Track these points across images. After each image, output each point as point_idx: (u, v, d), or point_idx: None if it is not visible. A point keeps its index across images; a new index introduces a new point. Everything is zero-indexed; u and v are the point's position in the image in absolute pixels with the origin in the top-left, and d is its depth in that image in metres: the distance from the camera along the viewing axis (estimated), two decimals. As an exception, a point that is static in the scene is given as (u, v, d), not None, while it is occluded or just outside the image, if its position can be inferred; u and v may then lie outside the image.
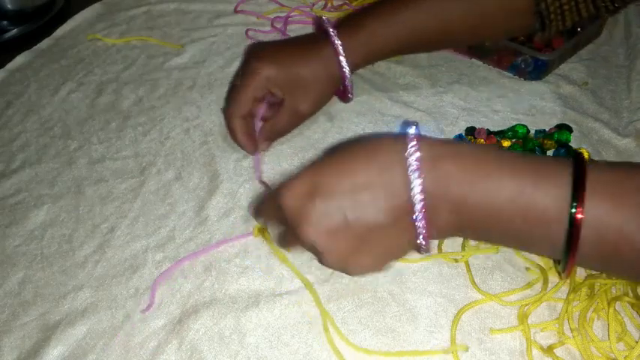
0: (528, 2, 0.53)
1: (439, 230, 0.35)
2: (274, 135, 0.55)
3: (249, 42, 0.74)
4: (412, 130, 0.34)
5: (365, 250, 0.35)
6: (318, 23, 0.54)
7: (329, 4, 0.79)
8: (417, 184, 0.33)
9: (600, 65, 0.66)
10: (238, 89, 0.51)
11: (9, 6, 0.77)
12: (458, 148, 0.34)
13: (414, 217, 0.34)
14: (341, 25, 0.53)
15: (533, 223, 0.33)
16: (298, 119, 0.54)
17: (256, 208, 0.49)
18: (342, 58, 0.51)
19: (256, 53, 0.52)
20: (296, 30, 0.75)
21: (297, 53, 0.52)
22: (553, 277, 0.44)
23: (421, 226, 0.34)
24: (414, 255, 0.47)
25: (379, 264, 0.37)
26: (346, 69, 0.52)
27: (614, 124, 0.58)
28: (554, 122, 0.58)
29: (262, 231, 0.48)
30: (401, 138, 0.34)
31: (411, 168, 0.33)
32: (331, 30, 0.51)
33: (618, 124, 0.58)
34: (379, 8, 0.54)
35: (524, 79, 0.64)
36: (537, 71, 0.64)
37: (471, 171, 0.33)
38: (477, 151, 0.34)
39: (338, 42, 0.51)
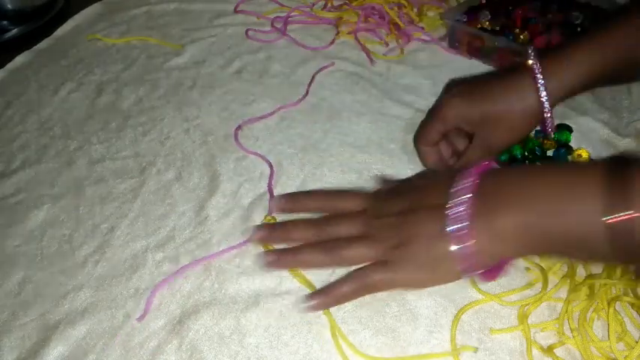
0: None
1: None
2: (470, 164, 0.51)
3: (249, 42, 0.74)
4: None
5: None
6: (524, 54, 0.50)
7: (329, 4, 0.79)
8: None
9: (600, 65, 0.66)
10: (427, 122, 0.52)
11: (9, 6, 0.77)
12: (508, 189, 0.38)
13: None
14: (545, 58, 0.49)
15: (577, 238, 0.34)
16: (489, 153, 0.51)
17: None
18: (542, 94, 0.48)
19: (451, 89, 0.52)
20: (296, 30, 0.75)
21: (491, 88, 0.50)
22: (553, 277, 0.44)
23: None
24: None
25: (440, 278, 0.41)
26: (546, 106, 0.48)
27: (614, 124, 0.58)
28: (554, 122, 0.58)
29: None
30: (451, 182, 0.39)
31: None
32: (534, 64, 0.48)
33: (618, 124, 0.58)
34: (588, 39, 0.49)
35: (525, 79, 0.64)
36: (537, 71, 0.63)
37: (520, 205, 0.36)
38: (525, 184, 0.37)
39: (541, 79, 0.47)
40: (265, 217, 0.50)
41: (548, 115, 0.48)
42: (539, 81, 0.47)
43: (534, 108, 0.48)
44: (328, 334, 0.42)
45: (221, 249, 0.48)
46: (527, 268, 0.45)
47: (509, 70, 0.50)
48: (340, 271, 0.46)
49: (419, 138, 0.53)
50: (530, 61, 0.48)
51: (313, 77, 0.66)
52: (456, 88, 0.51)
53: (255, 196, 0.53)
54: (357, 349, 0.41)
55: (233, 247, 0.48)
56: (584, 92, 0.50)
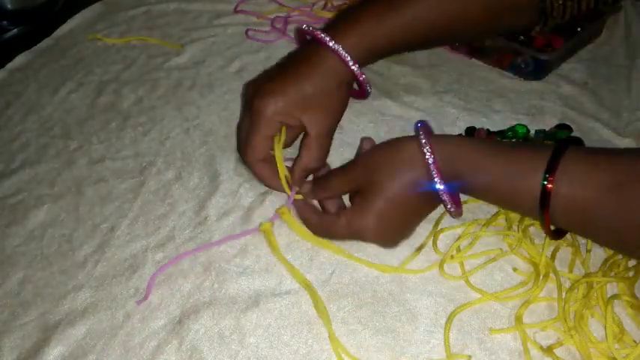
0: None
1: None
2: (310, 171, 0.51)
3: (249, 42, 0.74)
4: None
5: (407, 222, 0.46)
6: (303, 33, 0.50)
7: (329, 4, 0.79)
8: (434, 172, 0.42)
9: (600, 65, 0.66)
10: (249, 134, 0.49)
11: (9, 6, 0.77)
12: (460, 143, 0.43)
13: (437, 189, 0.42)
14: (332, 28, 0.49)
15: (517, 198, 0.41)
16: (328, 139, 0.50)
17: (325, 236, 0.48)
18: (346, 57, 0.48)
19: (255, 90, 0.49)
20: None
21: (296, 74, 0.48)
22: (550, 282, 0.44)
23: (443, 193, 0.42)
24: (412, 265, 0.47)
25: (417, 225, 0.47)
26: (354, 66, 0.48)
27: (614, 124, 0.58)
28: (554, 122, 0.58)
29: (268, 230, 0.48)
30: (415, 138, 0.43)
31: (427, 156, 0.42)
32: (323, 35, 0.48)
33: (618, 124, 0.58)
34: (376, 4, 0.50)
35: (524, 79, 0.64)
36: (537, 71, 0.64)
37: (470, 159, 0.42)
38: (476, 147, 0.43)
39: (335, 45, 0.47)
40: (281, 208, 0.49)
41: (357, 70, 0.48)
42: (339, 50, 0.47)
43: (346, 73, 0.49)
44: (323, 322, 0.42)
45: (221, 249, 0.48)
46: (515, 269, 0.45)
47: (302, 50, 0.50)
48: (340, 272, 0.46)
49: (246, 156, 0.50)
50: (321, 36, 0.48)
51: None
52: (261, 87, 0.49)
53: (255, 196, 0.53)
54: (352, 355, 0.40)
55: (242, 234, 0.49)
56: (390, 54, 0.52)
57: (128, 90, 0.67)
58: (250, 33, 0.75)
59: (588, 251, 0.46)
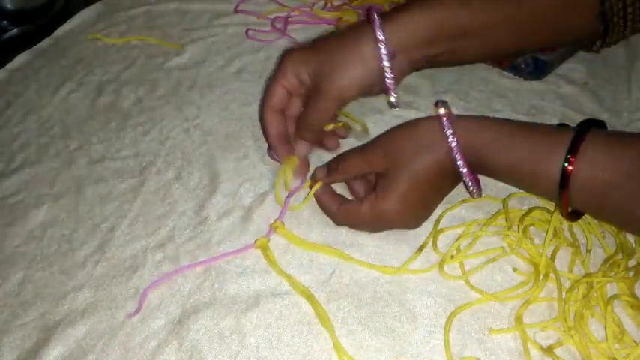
0: (591, 2, 0.48)
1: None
2: (305, 131, 0.50)
3: (249, 42, 0.74)
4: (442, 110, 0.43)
5: (429, 203, 0.46)
6: (367, 12, 0.48)
7: (329, 4, 0.79)
8: (457, 153, 0.42)
9: (600, 65, 0.66)
10: (269, 82, 0.50)
11: (9, 6, 0.77)
12: (481, 123, 0.44)
13: (461, 172, 0.43)
14: (387, 17, 0.47)
15: (536, 178, 0.41)
16: (324, 106, 0.48)
17: (352, 227, 0.48)
18: (382, 52, 0.46)
19: (289, 49, 0.50)
20: (296, 30, 0.75)
21: (330, 43, 0.48)
22: (550, 282, 0.44)
23: (467, 176, 0.43)
24: (412, 265, 0.47)
25: (433, 209, 0.47)
26: (385, 61, 0.46)
27: (614, 124, 0.58)
28: (554, 122, 0.58)
29: (264, 246, 0.47)
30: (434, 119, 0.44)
31: (450, 140, 0.42)
32: (377, 22, 0.46)
33: (618, 124, 0.58)
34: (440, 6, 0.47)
35: (524, 79, 0.64)
36: (537, 71, 0.64)
37: (491, 139, 0.42)
38: (499, 127, 0.43)
39: (380, 33, 0.45)
40: (275, 223, 0.49)
41: (388, 69, 0.46)
42: (378, 33, 0.45)
43: (371, 55, 0.46)
44: (328, 333, 0.42)
45: (221, 249, 0.48)
46: (515, 269, 0.45)
47: (350, 29, 0.49)
48: (340, 272, 0.46)
49: (264, 102, 0.50)
50: (375, 17, 0.46)
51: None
52: (294, 48, 0.50)
53: (255, 196, 0.53)
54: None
55: (239, 251, 0.48)
56: (434, 58, 0.49)
57: (128, 90, 0.67)
58: (250, 33, 0.75)
59: (588, 251, 0.46)
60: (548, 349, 0.40)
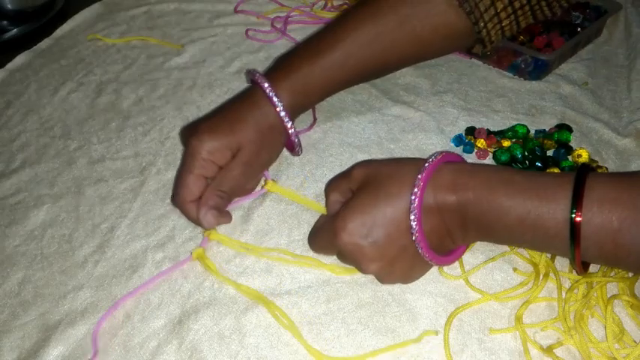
0: (465, 26, 0.51)
1: (464, 241, 0.43)
2: (219, 198, 0.47)
3: (249, 42, 0.74)
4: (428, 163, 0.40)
5: (414, 267, 0.43)
6: (251, 75, 0.51)
7: (329, 4, 0.79)
8: (414, 220, 0.39)
9: (600, 65, 0.66)
10: (183, 174, 0.47)
11: (9, 6, 0.77)
12: (472, 180, 0.39)
13: (419, 250, 0.40)
14: (270, 72, 0.51)
15: (541, 234, 0.38)
16: (245, 174, 0.49)
17: (312, 241, 0.46)
18: (281, 113, 0.49)
19: (191, 131, 0.48)
20: (296, 30, 0.75)
21: (232, 115, 0.49)
22: (550, 282, 0.44)
23: (426, 254, 0.40)
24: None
25: (422, 273, 0.44)
26: (287, 122, 0.49)
27: (614, 124, 0.58)
28: (554, 122, 0.58)
29: (201, 256, 0.47)
30: (414, 173, 0.40)
31: (412, 207, 0.39)
32: (265, 83, 0.49)
33: (618, 124, 0.58)
34: (309, 47, 0.52)
35: (524, 79, 0.64)
36: (537, 71, 0.64)
37: (485, 197, 0.39)
38: (490, 176, 0.39)
39: (270, 92, 0.49)
40: (194, 252, 0.47)
41: (291, 128, 0.50)
42: (272, 97, 0.49)
43: (277, 122, 0.49)
44: (329, 333, 0.42)
45: (221, 249, 0.48)
46: (515, 269, 0.45)
47: (242, 96, 0.51)
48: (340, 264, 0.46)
49: (177, 196, 0.48)
50: (261, 82, 0.49)
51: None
52: (197, 128, 0.48)
53: (254, 196, 0.52)
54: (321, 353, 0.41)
55: (176, 266, 0.47)
56: (333, 93, 0.54)
57: (128, 90, 0.67)
58: (250, 33, 0.75)
59: (588, 251, 0.46)
60: (548, 349, 0.40)
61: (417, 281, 0.45)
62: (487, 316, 0.42)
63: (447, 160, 0.41)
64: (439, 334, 0.41)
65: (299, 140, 0.52)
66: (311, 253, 0.47)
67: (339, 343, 0.41)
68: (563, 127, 0.56)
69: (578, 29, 0.66)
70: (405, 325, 0.42)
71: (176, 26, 0.78)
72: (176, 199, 0.48)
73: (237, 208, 0.52)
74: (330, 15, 0.76)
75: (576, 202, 0.35)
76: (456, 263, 0.46)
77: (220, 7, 0.81)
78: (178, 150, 0.58)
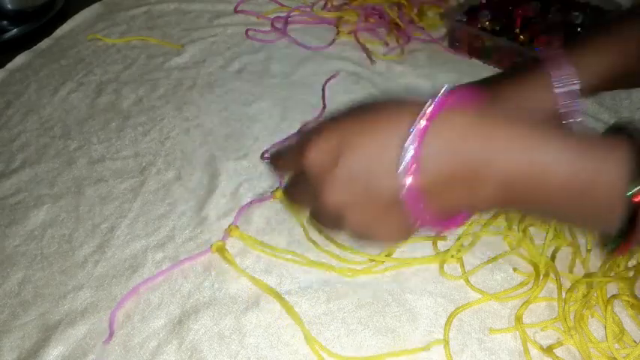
0: None
1: (473, 208, 0.32)
2: None
3: (249, 42, 0.74)
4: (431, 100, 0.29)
5: (387, 220, 0.31)
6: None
7: (329, 4, 0.79)
8: (406, 160, 0.28)
9: (600, 65, 0.66)
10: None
11: (9, 6, 0.77)
12: (495, 129, 0.29)
13: (401, 197, 0.29)
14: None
15: (591, 203, 0.29)
16: None
17: (274, 157, 0.37)
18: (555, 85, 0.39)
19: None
20: (296, 30, 0.75)
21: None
22: (550, 282, 0.44)
23: (410, 211, 0.29)
24: (414, 254, 0.47)
25: (400, 235, 0.32)
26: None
27: (614, 124, 0.58)
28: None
29: (221, 249, 0.48)
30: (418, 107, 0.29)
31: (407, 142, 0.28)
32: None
33: (618, 124, 0.58)
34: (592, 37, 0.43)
35: (524, 79, 0.64)
36: (537, 71, 0.63)
37: (519, 143, 0.29)
38: (518, 123, 0.29)
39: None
40: (214, 245, 0.48)
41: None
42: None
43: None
44: (329, 333, 0.42)
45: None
46: (515, 269, 0.45)
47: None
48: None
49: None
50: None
51: (324, 88, 0.65)
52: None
53: (255, 196, 0.52)
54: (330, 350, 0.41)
55: (197, 256, 0.48)
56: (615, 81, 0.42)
57: (128, 90, 0.67)
58: (250, 33, 0.75)
59: (588, 251, 0.46)
60: (548, 349, 0.40)
61: (417, 281, 0.45)
62: (487, 316, 0.42)
63: (461, 98, 0.30)
64: (446, 343, 0.41)
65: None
66: (322, 257, 0.47)
67: (339, 343, 0.41)
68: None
69: (578, 29, 0.66)
70: (405, 325, 0.42)
71: (176, 26, 0.78)
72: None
73: (237, 207, 0.51)
74: (330, 15, 0.76)
75: (636, 179, 0.27)
76: (457, 264, 0.46)
77: (220, 7, 0.81)
78: (178, 150, 0.58)
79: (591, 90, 0.41)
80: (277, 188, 0.52)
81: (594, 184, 0.28)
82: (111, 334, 0.43)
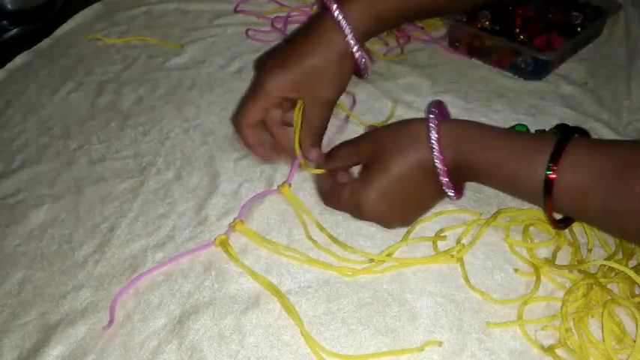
0: None
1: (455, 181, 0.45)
2: (314, 137, 0.51)
3: (249, 42, 0.74)
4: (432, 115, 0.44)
5: (408, 204, 0.46)
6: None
7: (329, 4, 0.78)
8: (436, 151, 0.43)
9: (600, 65, 0.66)
10: (247, 102, 0.51)
11: (9, 6, 0.77)
12: (469, 125, 0.45)
13: (437, 170, 0.43)
14: None
15: (522, 189, 0.42)
16: (325, 109, 0.51)
17: (332, 206, 0.49)
18: (345, 29, 0.48)
19: (262, 64, 0.51)
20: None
21: (301, 47, 0.49)
22: (547, 281, 0.44)
23: (442, 175, 0.43)
24: (414, 254, 0.47)
25: (420, 212, 0.48)
26: (352, 41, 0.48)
27: (614, 124, 0.58)
28: (554, 122, 0.58)
29: (224, 242, 0.48)
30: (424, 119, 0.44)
31: (432, 140, 0.43)
32: (333, 5, 0.48)
33: (618, 124, 0.58)
34: None
35: (524, 79, 0.64)
36: (537, 71, 0.64)
37: (477, 140, 0.43)
38: (484, 130, 0.44)
39: (338, 14, 0.48)
40: (217, 238, 0.48)
41: (357, 53, 0.49)
42: (337, 16, 0.47)
43: (346, 53, 0.49)
44: (329, 333, 0.42)
45: (220, 249, 0.48)
46: (516, 270, 0.45)
47: (310, 22, 0.51)
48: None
49: (240, 118, 0.51)
50: (330, 5, 0.48)
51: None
52: (267, 60, 0.50)
53: (247, 198, 0.52)
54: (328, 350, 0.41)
55: (199, 249, 0.48)
56: (399, 19, 0.53)
57: (128, 90, 0.67)
58: (250, 33, 0.75)
59: (589, 251, 0.46)
60: (549, 349, 0.40)
61: (417, 281, 0.45)
62: (487, 316, 0.42)
63: (442, 115, 0.45)
64: (442, 344, 0.41)
65: (366, 63, 0.50)
66: (322, 255, 0.47)
67: (339, 343, 0.41)
68: (563, 127, 0.56)
69: (578, 29, 0.66)
70: (405, 325, 0.42)
71: (176, 26, 0.78)
72: (237, 121, 0.52)
73: (237, 207, 0.51)
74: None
75: (554, 159, 0.38)
76: (456, 263, 0.46)
77: (220, 7, 0.81)
78: (178, 150, 0.58)
79: (369, 33, 0.50)
80: (284, 183, 0.52)
81: (523, 176, 0.41)
82: (111, 322, 0.43)
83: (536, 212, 0.48)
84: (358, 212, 0.46)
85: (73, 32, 0.78)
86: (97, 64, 0.72)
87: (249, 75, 0.68)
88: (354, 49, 0.49)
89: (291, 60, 0.49)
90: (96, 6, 0.82)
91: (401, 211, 0.46)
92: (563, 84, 0.63)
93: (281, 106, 0.51)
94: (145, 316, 0.44)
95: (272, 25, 0.76)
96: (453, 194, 0.44)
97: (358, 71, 0.52)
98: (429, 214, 0.49)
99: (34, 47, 0.75)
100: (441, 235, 0.48)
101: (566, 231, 0.47)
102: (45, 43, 0.76)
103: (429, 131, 0.43)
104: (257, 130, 0.51)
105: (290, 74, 0.49)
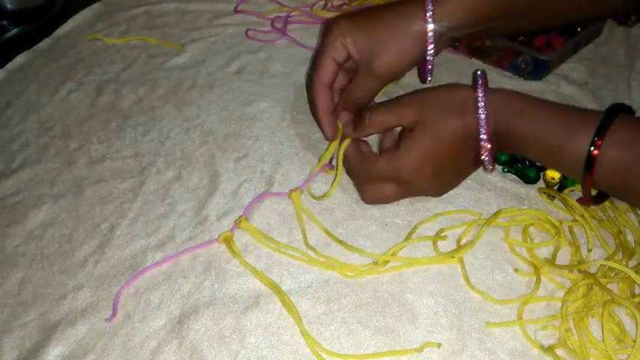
0: None
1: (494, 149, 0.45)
2: (350, 104, 0.50)
3: (249, 42, 0.74)
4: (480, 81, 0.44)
5: (449, 168, 0.47)
6: None
7: (329, 4, 0.79)
8: (482, 117, 0.44)
9: (600, 65, 0.66)
10: (319, 55, 0.49)
11: (9, 6, 0.77)
12: (515, 94, 0.45)
13: (481, 137, 0.44)
14: None
15: (562, 155, 0.42)
16: (374, 83, 0.49)
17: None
18: (429, 22, 0.46)
19: (337, 20, 0.49)
20: (296, 30, 0.75)
21: (381, 14, 0.48)
22: (547, 280, 0.44)
23: (485, 143, 0.44)
24: (415, 254, 0.47)
25: (455, 182, 0.49)
26: (431, 30, 0.46)
27: (614, 124, 0.58)
28: (554, 122, 0.58)
29: (228, 239, 0.48)
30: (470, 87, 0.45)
31: (480, 107, 0.43)
32: None
33: (618, 124, 0.58)
34: None
35: (524, 79, 0.64)
36: (537, 71, 0.64)
37: (522, 109, 0.44)
38: (531, 102, 0.44)
39: (429, 4, 0.46)
40: (238, 218, 0.49)
41: (430, 41, 0.47)
42: (429, 6, 0.46)
43: (420, 35, 0.47)
44: (329, 333, 0.42)
45: (221, 249, 0.48)
46: (516, 270, 0.45)
47: (400, 3, 0.48)
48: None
49: (314, 76, 0.50)
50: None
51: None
52: (343, 18, 0.49)
53: (255, 196, 0.52)
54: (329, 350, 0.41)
55: (203, 245, 0.48)
56: (475, 33, 0.49)
57: (128, 90, 0.67)
58: (250, 33, 0.75)
59: (589, 251, 0.46)
60: (549, 349, 0.40)
61: (417, 281, 0.45)
62: (487, 316, 0.42)
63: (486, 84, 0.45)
64: (441, 346, 0.41)
65: (432, 67, 0.49)
66: (326, 254, 0.47)
67: (339, 343, 0.41)
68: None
69: (578, 29, 0.66)
70: (405, 325, 0.42)
71: (176, 26, 0.78)
72: (310, 79, 0.51)
73: (237, 207, 0.52)
74: (330, 15, 0.76)
75: (598, 135, 0.39)
76: (456, 263, 0.46)
77: (220, 7, 0.81)
78: (178, 150, 0.58)
79: (460, 29, 0.48)
80: (296, 189, 0.51)
81: (565, 141, 0.41)
82: (114, 314, 0.43)
83: (536, 212, 0.48)
84: (395, 178, 0.46)
85: (73, 32, 0.78)
86: (97, 64, 0.72)
87: (249, 75, 0.68)
88: (430, 47, 0.47)
89: (366, 20, 0.48)
90: (96, 6, 0.82)
91: (440, 177, 0.47)
92: (563, 84, 0.63)
93: (345, 71, 0.50)
94: (145, 316, 0.44)
95: (272, 25, 0.76)
96: (489, 165, 0.45)
97: (423, 72, 0.50)
98: (429, 213, 0.49)
99: (34, 47, 0.75)
100: (442, 235, 0.48)
101: (567, 231, 0.47)
102: (45, 43, 0.76)
103: (476, 100, 0.43)
104: (330, 92, 0.50)
105: (361, 35, 0.48)
